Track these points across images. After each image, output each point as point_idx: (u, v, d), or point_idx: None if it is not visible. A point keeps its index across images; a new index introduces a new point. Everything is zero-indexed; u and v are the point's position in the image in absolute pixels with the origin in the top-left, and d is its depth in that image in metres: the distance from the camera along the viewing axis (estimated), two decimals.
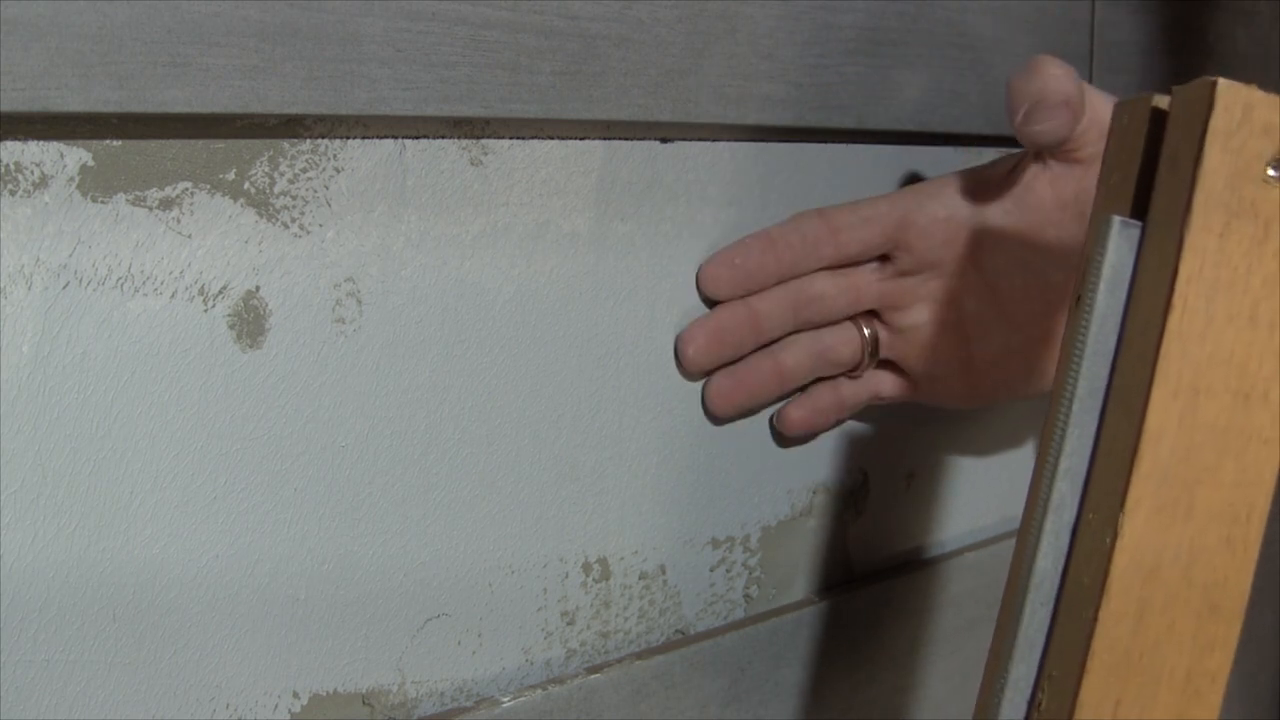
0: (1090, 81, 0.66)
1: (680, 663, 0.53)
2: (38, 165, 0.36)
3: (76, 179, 0.37)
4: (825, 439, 0.60)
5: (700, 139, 0.52)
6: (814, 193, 0.56)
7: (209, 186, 0.40)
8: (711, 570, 0.56)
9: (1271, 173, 0.38)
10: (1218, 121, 0.37)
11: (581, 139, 0.48)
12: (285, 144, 0.41)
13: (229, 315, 0.41)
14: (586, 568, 0.51)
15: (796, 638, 0.58)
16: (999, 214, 0.52)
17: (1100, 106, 0.50)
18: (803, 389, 0.56)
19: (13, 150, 0.36)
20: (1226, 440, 0.39)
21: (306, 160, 0.42)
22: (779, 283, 0.52)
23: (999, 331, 0.54)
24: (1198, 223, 0.38)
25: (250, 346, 0.41)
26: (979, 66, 0.60)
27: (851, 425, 0.61)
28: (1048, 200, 0.52)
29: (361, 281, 0.43)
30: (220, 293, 0.40)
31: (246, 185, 0.40)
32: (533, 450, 0.49)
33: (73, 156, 0.37)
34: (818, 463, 0.60)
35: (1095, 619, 0.38)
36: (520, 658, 0.50)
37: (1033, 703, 0.41)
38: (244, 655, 0.42)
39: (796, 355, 0.53)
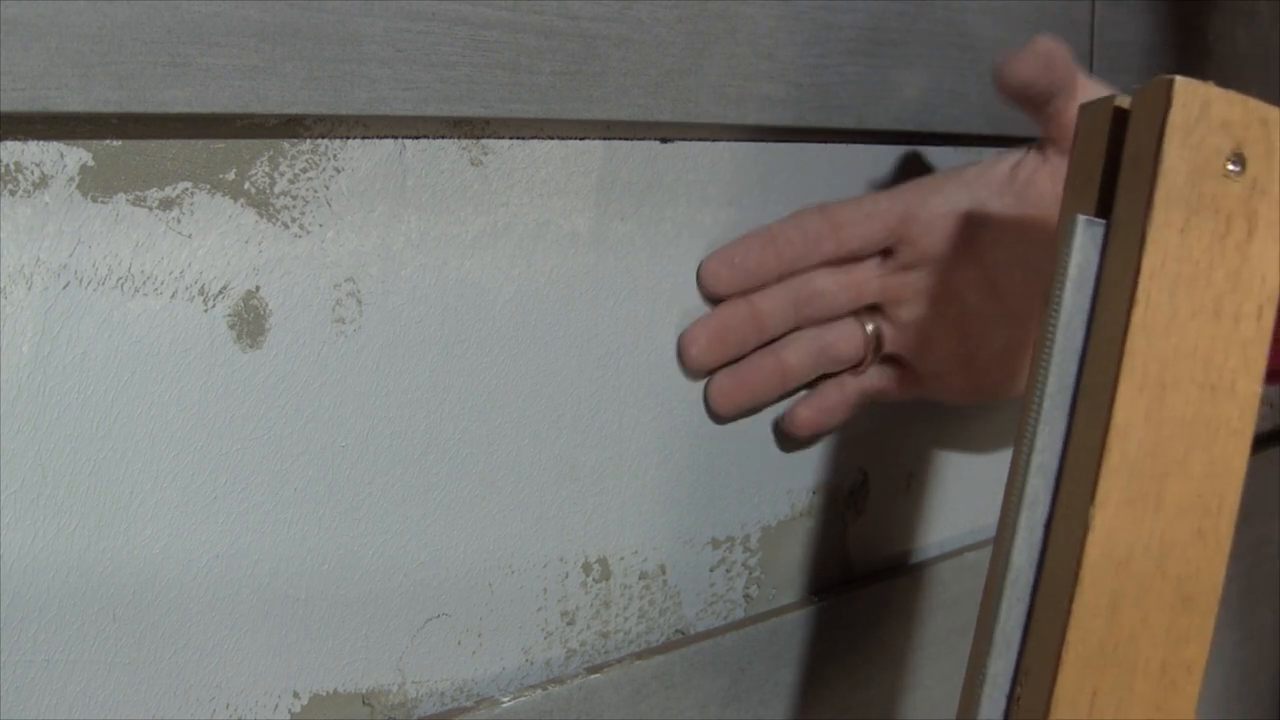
0: None
1: (680, 663, 0.53)
2: (38, 165, 0.36)
3: (76, 179, 0.37)
4: (825, 439, 0.60)
5: (700, 139, 0.52)
6: (814, 193, 0.56)
7: (209, 186, 0.40)
8: (711, 570, 0.56)
9: (1231, 167, 0.39)
10: (1176, 118, 0.38)
11: (581, 139, 0.48)
12: (285, 144, 0.41)
13: (229, 315, 0.41)
14: (586, 568, 0.51)
15: (796, 638, 0.58)
16: (1000, 208, 0.52)
17: (1095, 93, 0.51)
18: (808, 387, 0.56)
19: (13, 150, 0.36)
20: (1194, 432, 0.39)
21: (306, 160, 0.42)
22: (780, 279, 0.52)
23: (1000, 327, 0.54)
24: (1159, 219, 0.38)
25: (250, 346, 0.41)
26: (979, 66, 0.60)
27: (851, 425, 0.61)
28: (1048, 195, 0.52)
29: (361, 281, 0.43)
30: (220, 293, 0.40)
31: (246, 185, 0.40)
32: (533, 450, 0.49)
33: (73, 156, 0.37)
34: (818, 463, 0.60)
35: (1069, 612, 0.38)
36: (520, 658, 0.50)
37: (1011, 697, 0.41)
38: (244, 655, 0.42)
39: (799, 353, 0.53)
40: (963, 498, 0.68)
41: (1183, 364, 0.39)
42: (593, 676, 0.50)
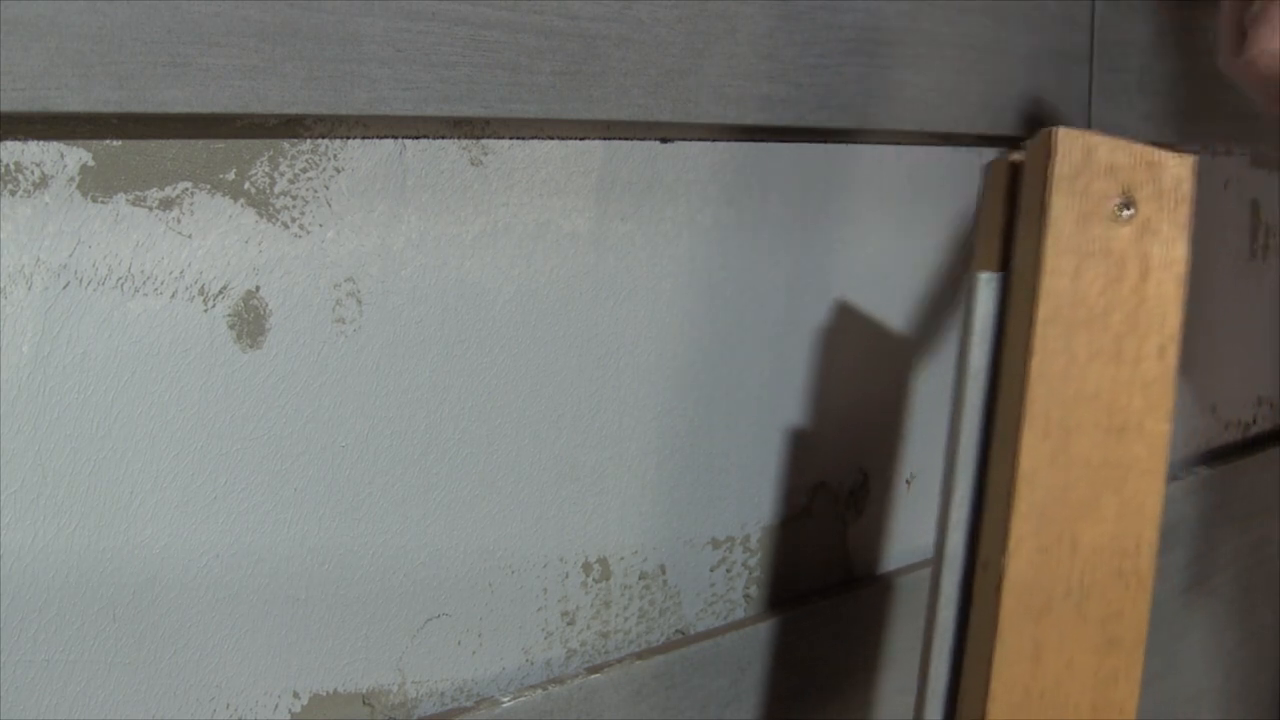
0: (1090, 81, 0.66)
1: (680, 663, 0.53)
2: (38, 165, 0.36)
3: (76, 179, 0.37)
4: (825, 439, 0.60)
5: (700, 139, 0.52)
6: (814, 193, 0.56)
7: (209, 186, 0.40)
8: (711, 570, 0.56)
9: (1123, 211, 0.39)
10: (1060, 168, 0.39)
11: (581, 139, 0.48)
12: (285, 144, 0.41)
13: (229, 315, 0.41)
14: (586, 568, 0.51)
15: (797, 638, 0.58)
16: None
17: None
18: None
19: (13, 150, 0.36)
20: (1104, 475, 0.40)
21: (306, 160, 0.42)
22: None
23: None
24: (1049, 266, 0.39)
25: (250, 346, 0.41)
26: (979, 66, 0.60)
27: (851, 425, 0.61)
28: None
29: (361, 281, 0.43)
30: (220, 293, 0.40)
31: (246, 185, 0.40)
32: (533, 450, 0.49)
33: (73, 156, 0.37)
34: (818, 463, 0.60)
35: (991, 661, 0.39)
36: (520, 658, 0.50)
37: None
38: (244, 655, 0.42)
39: None
40: None
41: (1085, 408, 0.39)
42: (593, 676, 0.50)
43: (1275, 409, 0.94)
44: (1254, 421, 0.91)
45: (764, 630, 0.56)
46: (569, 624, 0.51)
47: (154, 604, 0.40)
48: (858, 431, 0.61)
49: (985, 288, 0.42)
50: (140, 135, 0.38)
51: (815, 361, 0.59)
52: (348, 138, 0.42)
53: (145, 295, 0.39)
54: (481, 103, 0.43)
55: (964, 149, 0.63)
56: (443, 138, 0.45)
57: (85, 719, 0.39)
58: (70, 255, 0.37)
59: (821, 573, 0.61)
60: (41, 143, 0.36)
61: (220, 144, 0.40)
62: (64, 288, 0.37)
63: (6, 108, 0.34)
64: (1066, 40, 0.65)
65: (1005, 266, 0.42)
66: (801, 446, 0.59)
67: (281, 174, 0.41)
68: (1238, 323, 0.87)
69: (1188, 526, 0.82)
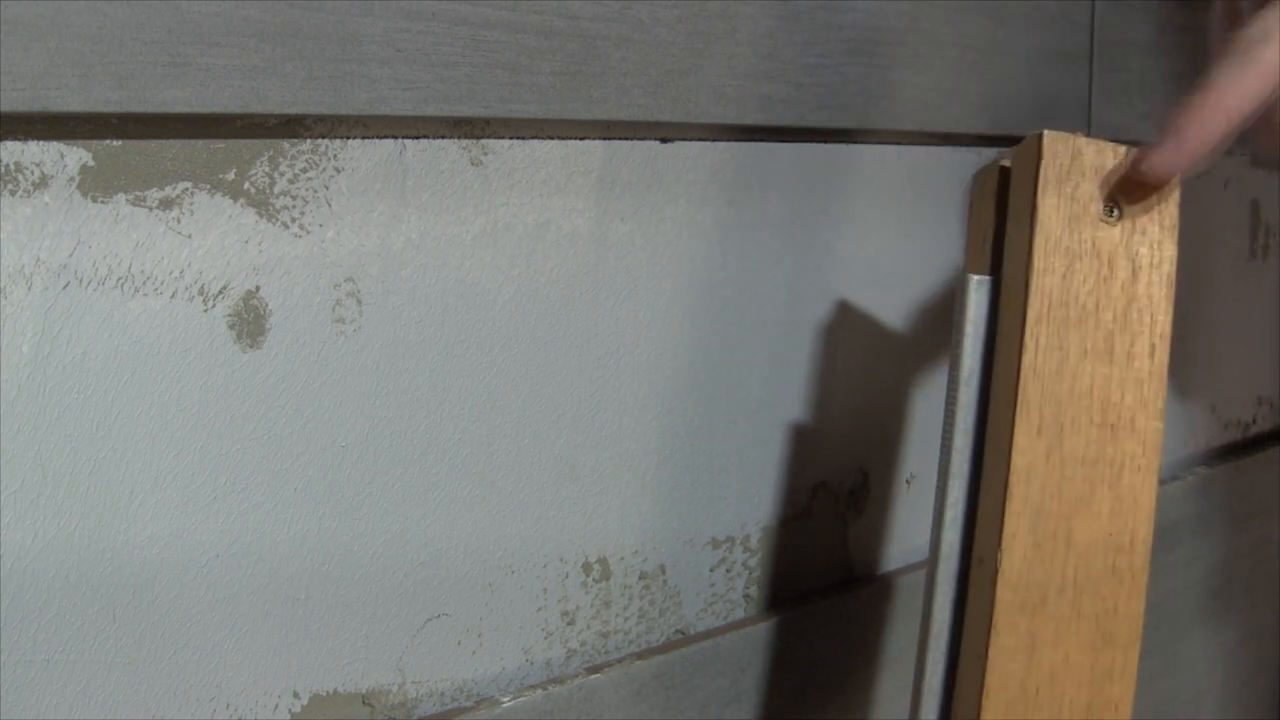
0: (1090, 81, 0.66)
1: (680, 663, 0.53)
2: (38, 165, 0.36)
3: (76, 179, 0.37)
4: (825, 439, 0.60)
5: (700, 139, 0.52)
6: (814, 193, 0.56)
7: (209, 186, 0.40)
8: (711, 570, 0.56)
9: (1111, 213, 0.40)
10: (1048, 170, 0.39)
11: (581, 139, 0.48)
12: (285, 144, 0.41)
13: (229, 315, 0.41)
14: (586, 568, 0.51)
15: (797, 638, 0.58)
16: None
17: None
18: None
19: (13, 150, 0.36)
20: (1098, 471, 0.40)
21: (306, 160, 0.42)
22: None
23: None
24: (1039, 265, 0.39)
25: (250, 346, 0.41)
26: (979, 66, 0.60)
27: (852, 425, 0.61)
28: None
29: (361, 281, 0.43)
30: (220, 293, 0.40)
31: (246, 185, 0.40)
32: (533, 450, 0.49)
33: (73, 156, 0.37)
34: (818, 463, 0.60)
35: (986, 656, 0.39)
36: (520, 658, 0.50)
37: None
38: (244, 655, 0.42)
39: None
40: None
41: (1078, 405, 0.40)
42: (593, 676, 0.50)
43: (1275, 409, 0.94)
44: (1254, 421, 0.91)
45: (764, 630, 0.56)
46: (569, 624, 0.51)
47: (154, 604, 0.40)
48: (858, 431, 0.61)
49: (977, 290, 0.42)
50: (140, 135, 0.38)
51: (815, 361, 0.59)
52: (348, 138, 0.42)
53: (145, 295, 0.39)
54: (481, 103, 0.43)
55: (964, 149, 0.63)
56: (443, 138, 0.45)
57: (85, 719, 0.39)
58: (70, 255, 0.37)
59: (821, 573, 0.61)
60: (41, 143, 0.36)
61: (220, 144, 0.40)
62: (64, 288, 0.37)
63: (6, 108, 0.34)
64: (1066, 40, 0.65)
65: (996, 270, 0.43)
66: (801, 446, 0.59)
67: (281, 174, 0.41)
68: (1238, 323, 0.87)
69: (1188, 526, 0.82)
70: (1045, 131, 0.40)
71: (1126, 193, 0.40)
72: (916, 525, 0.66)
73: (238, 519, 0.42)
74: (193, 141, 0.39)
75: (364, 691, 0.46)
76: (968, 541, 0.42)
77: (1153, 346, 0.40)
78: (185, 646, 0.41)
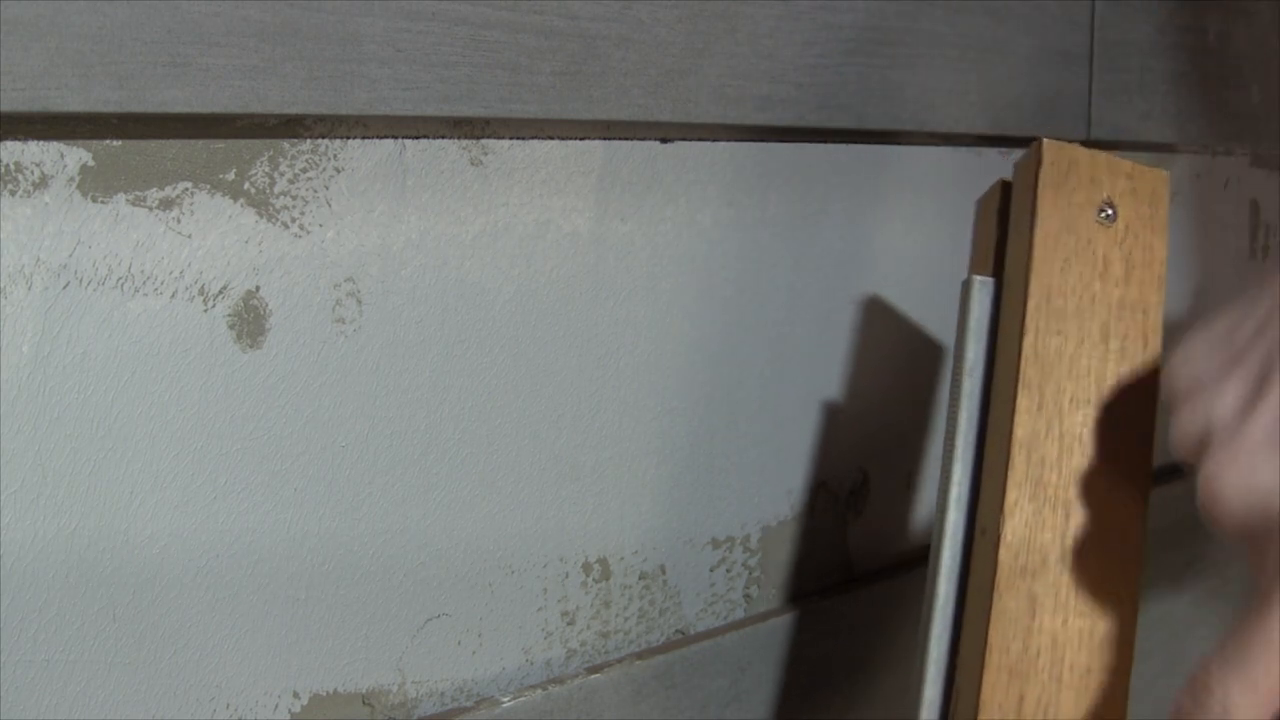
0: (1090, 81, 0.66)
1: (680, 663, 0.53)
2: (38, 165, 0.36)
3: (76, 179, 0.37)
4: (825, 439, 0.60)
5: (700, 139, 0.52)
6: (814, 193, 0.56)
7: (209, 186, 0.40)
8: (711, 570, 0.56)
9: (1104, 215, 0.43)
10: (1046, 175, 0.42)
11: (581, 139, 0.48)
12: (285, 144, 0.41)
13: (229, 315, 0.41)
14: (586, 568, 0.51)
15: (797, 638, 0.58)
16: None
17: None
18: None
19: (13, 150, 0.36)
20: (1095, 447, 0.42)
21: (306, 160, 0.42)
22: None
23: None
24: (1039, 261, 0.42)
25: (250, 346, 0.41)
26: (979, 66, 0.60)
27: (852, 425, 0.61)
28: None
29: (361, 281, 0.43)
30: (220, 293, 0.40)
31: (246, 185, 0.40)
32: (533, 450, 0.49)
33: (73, 156, 0.37)
34: (818, 463, 0.60)
35: (988, 620, 0.40)
36: (520, 658, 0.50)
37: (946, 717, 0.43)
38: (244, 655, 0.42)
39: None
40: None
41: (1078, 385, 0.42)
42: (593, 676, 0.50)
43: None
44: None
45: (764, 630, 0.56)
46: (569, 624, 0.51)
47: (154, 604, 0.40)
48: (858, 431, 0.61)
49: (980, 289, 0.45)
50: (140, 135, 0.38)
51: (815, 361, 0.59)
52: (348, 138, 0.42)
53: (145, 295, 0.39)
54: (481, 103, 0.43)
55: (964, 149, 0.63)
56: (443, 138, 0.45)
57: (85, 719, 0.39)
58: (70, 255, 0.37)
59: (821, 573, 0.61)
60: (41, 143, 0.36)
61: (220, 144, 0.40)
62: (64, 288, 0.37)
63: (6, 108, 0.34)
64: (1066, 40, 0.65)
65: (998, 274, 0.45)
66: (801, 446, 0.59)
67: (281, 174, 0.41)
68: None
69: (1188, 526, 0.82)
70: (1044, 140, 0.43)
71: (1119, 198, 0.43)
72: (917, 525, 0.66)
73: (238, 519, 0.42)
74: (193, 141, 0.39)
75: (364, 691, 0.46)
76: (970, 522, 0.44)
77: (1146, 338, 0.43)
78: (185, 646, 0.41)
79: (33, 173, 0.36)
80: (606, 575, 0.52)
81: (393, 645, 0.46)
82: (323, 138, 0.42)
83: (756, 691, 0.57)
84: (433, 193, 0.45)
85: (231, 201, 0.40)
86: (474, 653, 0.48)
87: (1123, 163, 0.44)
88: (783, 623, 0.57)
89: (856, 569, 0.63)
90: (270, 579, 0.43)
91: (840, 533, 0.62)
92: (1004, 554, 0.40)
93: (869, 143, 0.58)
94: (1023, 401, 0.41)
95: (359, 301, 0.43)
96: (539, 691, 0.48)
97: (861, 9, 0.54)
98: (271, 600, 0.43)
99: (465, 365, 0.46)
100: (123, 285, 0.38)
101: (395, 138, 0.43)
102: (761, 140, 0.54)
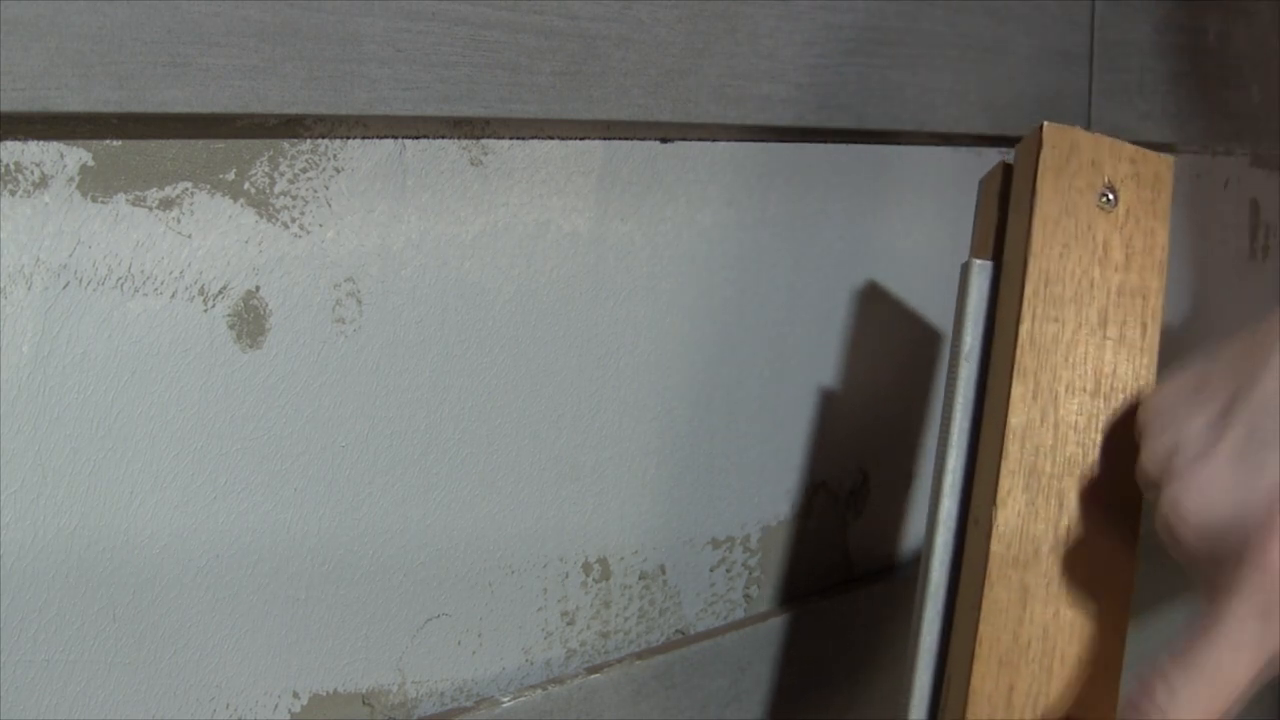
0: (1090, 81, 0.66)
1: (680, 663, 0.53)
2: (38, 165, 0.36)
3: (76, 179, 0.37)
4: (825, 439, 0.60)
5: (700, 139, 0.52)
6: (814, 193, 0.56)
7: (209, 186, 0.40)
8: (711, 570, 0.56)
9: (1105, 200, 0.42)
10: (1047, 159, 0.42)
11: (581, 139, 0.48)
12: (285, 144, 0.41)
13: (229, 315, 0.41)
14: (586, 568, 0.51)
15: (797, 638, 0.58)
16: None
17: None
18: None
19: (13, 150, 0.36)
20: (1090, 436, 0.42)
21: (306, 160, 0.42)
22: None
23: None
24: (1038, 245, 0.41)
25: (250, 346, 0.41)
26: (979, 66, 0.60)
27: (852, 425, 0.61)
28: None
29: (361, 281, 0.43)
30: (220, 293, 0.40)
31: (246, 185, 0.40)
32: (533, 450, 0.49)
33: (73, 156, 0.37)
34: (818, 463, 0.60)
35: (979, 609, 0.40)
36: (520, 658, 0.50)
37: (936, 706, 0.43)
38: (244, 655, 0.42)
39: None
40: None
41: (1074, 373, 0.42)
42: (593, 676, 0.50)
43: None
44: None
45: (764, 630, 0.56)
46: (569, 624, 0.51)
47: (154, 604, 0.40)
48: (858, 431, 0.61)
49: (979, 273, 0.44)
50: (140, 135, 0.38)
51: (815, 361, 0.59)
52: (348, 138, 0.42)
53: (145, 295, 0.39)
54: (481, 103, 0.43)
55: (964, 149, 0.63)
56: (443, 138, 0.45)
57: (85, 719, 0.39)
58: (70, 255, 0.37)
59: (821, 573, 0.61)
60: (41, 143, 0.36)
61: (220, 144, 0.40)
62: (64, 288, 0.37)
63: (6, 108, 0.34)
64: (1066, 40, 0.65)
65: (998, 257, 0.44)
66: (801, 446, 0.59)
67: (281, 174, 0.41)
68: (1238, 323, 0.87)
69: None
70: (1046, 123, 0.42)
71: (1121, 183, 0.43)
72: (916, 525, 0.66)
73: (238, 519, 0.42)
74: (193, 141, 0.39)
75: (364, 691, 0.46)
76: (964, 510, 0.43)
77: (1145, 325, 0.42)
78: (185, 646, 0.41)
79: (33, 173, 0.36)
80: (606, 575, 0.52)
81: (393, 645, 0.46)
82: (323, 138, 0.42)
83: (756, 691, 0.57)
84: (433, 193, 0.45)
85: (231, 201, 0.40)
86: (474, 653, 0.48)
87: (1126, 146, 0.43)
88: (783, 623, 0.57)
89: (856, 569, 0.63)
90: (270, 579, 0.43)
91: (840, 533, 0.62)
92: (996, 544, 0.40)
93: (869, 143, 0.58)
94: (1018, 389, 0.41)
95: (359, 301, 0.43)
96: (539, 691, 0.48)
97: (861, 9, 0.54)
98: (271, 600, 0.43)
99: (465, 365, 0.46)
100: (123, 285, 0.38)
101: (395, 138, 0.43)
102: (761, 140, 0.54)
